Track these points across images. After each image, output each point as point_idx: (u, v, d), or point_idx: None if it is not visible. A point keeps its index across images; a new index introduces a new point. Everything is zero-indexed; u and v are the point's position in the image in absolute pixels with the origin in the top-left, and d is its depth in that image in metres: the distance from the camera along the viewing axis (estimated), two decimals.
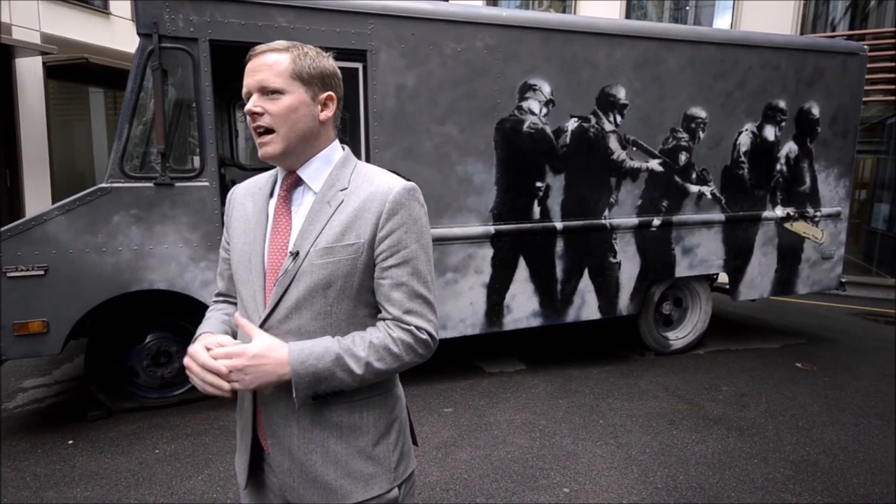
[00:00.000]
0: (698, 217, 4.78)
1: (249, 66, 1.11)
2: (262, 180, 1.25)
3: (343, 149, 1.21)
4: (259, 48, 1.11)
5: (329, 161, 1.17)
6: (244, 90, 1.12)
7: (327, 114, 1.15)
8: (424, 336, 1.13)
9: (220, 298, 1.36)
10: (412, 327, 1.11)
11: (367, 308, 1.15)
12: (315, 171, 1.16)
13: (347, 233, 1.10)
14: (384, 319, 1.13)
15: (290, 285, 1.11)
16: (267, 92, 1.09)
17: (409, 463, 1.25)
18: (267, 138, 1.10)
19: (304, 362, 1.03)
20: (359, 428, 1.15)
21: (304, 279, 1.10)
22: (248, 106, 1.10)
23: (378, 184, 1.14)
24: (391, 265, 1.11)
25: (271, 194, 1.21)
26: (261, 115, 1.09)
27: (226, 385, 1.04)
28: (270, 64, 1.09)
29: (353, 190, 1.14)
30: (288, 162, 1.15)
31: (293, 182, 1.17)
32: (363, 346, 1.08)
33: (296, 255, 1.11)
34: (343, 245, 1.10)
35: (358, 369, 1.06)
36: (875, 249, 8.62)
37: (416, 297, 1.12)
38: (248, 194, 1.25)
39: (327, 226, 1.11)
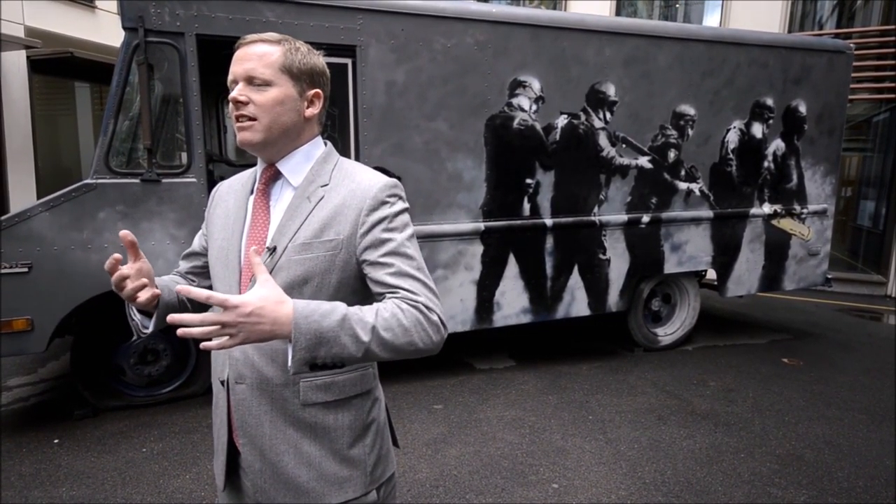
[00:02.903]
0: (687, 214, 4.81)
1: (238, 54, 1.08)
2: (244, 177, 1.23)
3: (325, 144, 1.19)
4: (250, 37, 1.09)
5: (310, 156, 1.15)
6: (230, 77, 1.09)
7: (313, 111, 1.14)
8: (434, 318, 1.03)
9: (176, 272, 1.35)
10: (420, 304, 1.02)
11: None
12: (295, 166, 1.14)
13: (327, 229, 1.08)
14: (387, 297, 1.05)
15: None
16: (254, 82, 1.07)
17: (387, 466, 1.22)
18: (247, 124, 1.08)
19: (308, 317, 0.92)
20: (334, 429, 1.12)
21: (280, 275, 1.07)
22: (233, 94, 1.07)
23: (359, 180, 1.12)
24: (379, 256, 1.07)
25: (252, 190, 1.19)
26: (245, 104, 1.07)
27: (224, 342, 0.89)
28: (260, 54, 1.07)
29: (333, 186, 1.12)
30: (267, 153, 1.13)
31: (272, 175, 1.15)
32: (371, 313, 0.99)
33: (273, 250, 1.09)
34: (321, 241, 1.08)
35: (364, 335, 0.95)
36: (860, 246, 8.73)
37: (413, 279, 1.05)
38: (231, 191, 1.24)
39: (306, 221, 1.09)
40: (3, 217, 3.20)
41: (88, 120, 9.78)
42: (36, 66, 8.27)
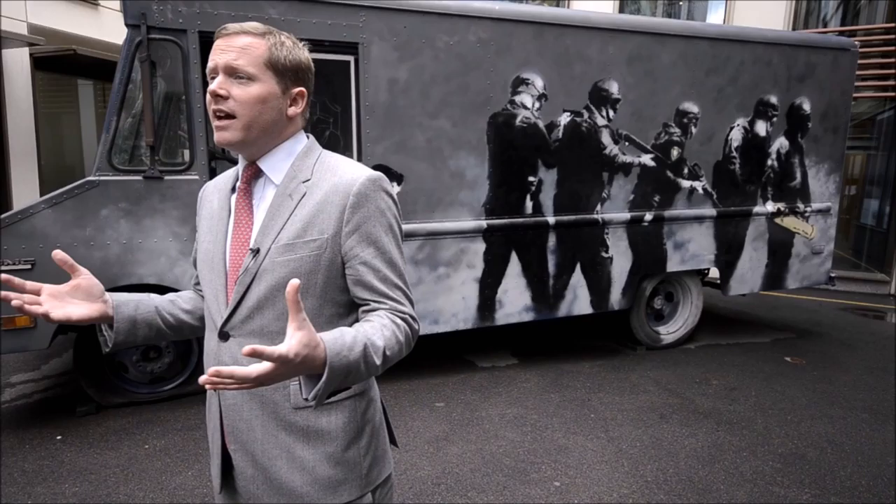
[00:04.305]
0: (690, 212, 4.79)
1: (220, 44, 1.02)
2: (227, 175, 1.19)
3: (307, 137, 1.16)
4: (232, 27, 1.03)
5: (292, 153, 1.11)
6: (209, 65, 1.03)
7: (295, 110, 1.10)
8: (416, 327, 1.08)
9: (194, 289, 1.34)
10: (408, 317, 1.06)
11: (335, 307, 1.09)
12: (277, 163, 1.10)
13: (310, 228, 1.05)
14: (375, 309, 1.06)
15: (251, 284, 1.06)
16: (235, 74, 1.01)
17: (383, 467, 1.20)
18: (225, 123, 1.03)
19: (339, 354, 0.89)
20: (327, 432, 1.10)
21: (265, 277, 1.05)
22: (213, 87, 1.01)
23: (341, 175, 1.07)
24: (367, 258, 1.06)
25: (234, 189, 1.15)
26: (225, 98, 1.01)
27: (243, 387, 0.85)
28: (244, 46, 1.01)
29: (315, 182, 1.07)
30: (246, 151, 1.09)
31: (253, 173, 1.11)
32: (378, 335, 0.98)
33: (256, 252, 1.06)
34: (305, 241, 1.04)
35: (378, 360, 0.96)
36: (864, 245, 8.70)
37: (398, 288, 1.08)
38: (216, 190, 1.20)
39: (289, 221, 1.05)
40: (6, 214, 3.21)
41: (91, 117, 9.79)
42: (39, 63, 8.28)
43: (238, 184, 1.13)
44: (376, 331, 0.99)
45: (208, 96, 1.03)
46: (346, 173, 1.08)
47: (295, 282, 0.82)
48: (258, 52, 1.02)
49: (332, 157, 1.13)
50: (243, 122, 1.03)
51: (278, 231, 1.05)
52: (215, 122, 1.04)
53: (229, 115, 1.03)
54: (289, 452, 1.09)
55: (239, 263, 1.08)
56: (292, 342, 0.82)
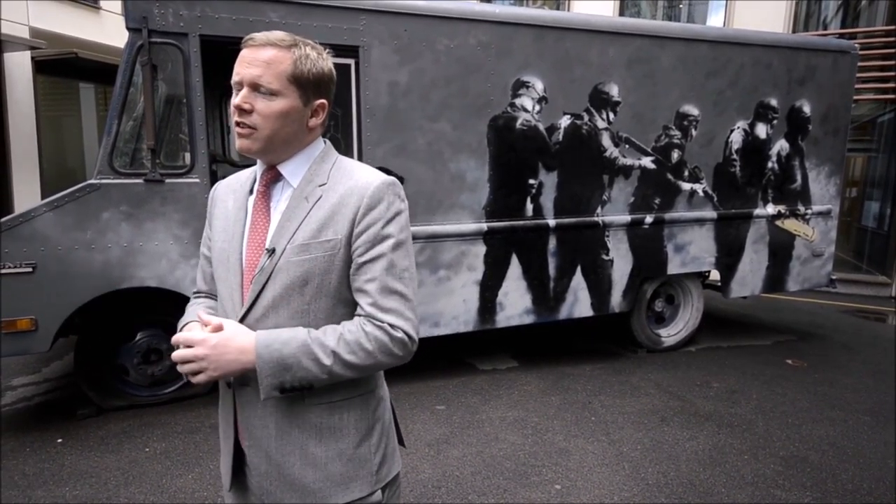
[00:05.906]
0: (690, 214, 4.79)
1: (246, 56, 1.05)
2: (243, 177, 1.22)
3: (324, 142, 1.18)
4: (259, 38, 1.05)
5: (310, 157, 1.15)
6: (235, 77, 1.05)
7: (316, 121, 1.12)
8: (399, 335, 1.07)
9: (201, 295, 1.33)
10: (385, 324, 1.06)
11: (347, 307, 1.12)
12: (296, 168, 1.13)
13: (324, 229, 1.08)
14: (359, 315, 1.09)
15: (266, 283, 1.08)
16: (260, 90, 1.04)
17: (392, 465, 1.22)
18: (247, 132, 1.06)
19: (269, 346, 1.01)
20: (339, 430, 1.13)
21: (280, 277, 1.07)
22: (237, 101, 1.04)
23: (357, 178, 1.11)
24: (366, 260, 1.08)
25: (252, 191, 1.18)
26: (248, 112, 1.05)
27: (201, 377, 1.04)
28: (269, 61, 1.03)
29: (331, 185, 1.11)
30: (266, 159, 1.13)
31: (273, 177, 1.14)
32: (333, 337, 1.04)
33: (272, 252, 1.08)
34: (320, 242, 1.07)
35: (326, 359, 1.02)
36: (865, 247, 8.69)
37: (391, 293, 1.08)
38: (230, 191, 1.22)
39: (304, 222, 1.08)
40: (7, 217, 3.21)
41: (93, 120, 9.82)
42: (40, 66, 8.31)
43: (257, 186, 1.16)
44: (332, 333, 1.05)
45: (231, 107, 1.06)
46: (361, 177, 1.11)
47: (200, 316, 1.09)
48: (283, 66, 1.05)
49: (348, 162, 1.17)
50: (265, 134, 1.06)
51: (294, 231, 1.08)
52: (237, 130, 1.07)
53: (251, 127, 1.06)
54: (302, 449, 1.12)
55: (255, 263, 1.11)
56: (209, 334, 1.04)
